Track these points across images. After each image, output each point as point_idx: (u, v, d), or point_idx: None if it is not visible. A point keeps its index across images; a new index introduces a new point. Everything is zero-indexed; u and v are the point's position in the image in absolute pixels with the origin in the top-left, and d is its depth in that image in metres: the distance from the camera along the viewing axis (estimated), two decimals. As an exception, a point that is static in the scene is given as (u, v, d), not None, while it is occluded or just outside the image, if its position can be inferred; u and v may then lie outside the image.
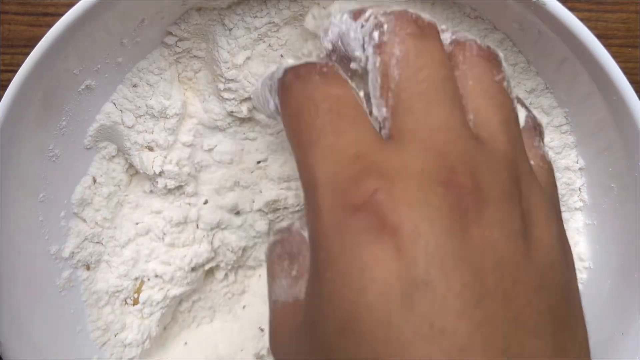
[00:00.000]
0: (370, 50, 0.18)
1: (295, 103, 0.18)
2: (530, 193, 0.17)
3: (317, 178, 0.17)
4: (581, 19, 0.21)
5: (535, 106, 0.27)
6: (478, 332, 0.14)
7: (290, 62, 0.19)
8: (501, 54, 0.20)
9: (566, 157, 0.27)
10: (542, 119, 0.27)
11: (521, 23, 0.24)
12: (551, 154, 0.28)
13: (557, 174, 0.28)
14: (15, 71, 0.21)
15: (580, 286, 0.28)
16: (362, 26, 0.19)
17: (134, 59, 0.27)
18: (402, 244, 0.14)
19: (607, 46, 0.21)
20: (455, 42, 0.19)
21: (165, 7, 0.25)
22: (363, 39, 0.19)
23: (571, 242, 0.20)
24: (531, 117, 0.21)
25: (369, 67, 0.18)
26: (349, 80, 0.19)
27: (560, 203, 0.28)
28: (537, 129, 0.21)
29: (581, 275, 0.28)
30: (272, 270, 0.20)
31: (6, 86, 0.21)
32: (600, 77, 0.22)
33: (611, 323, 0.26)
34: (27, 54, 0.21)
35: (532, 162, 0.19)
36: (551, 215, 0.17)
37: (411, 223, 0.15)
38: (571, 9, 0.21)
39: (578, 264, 0.28)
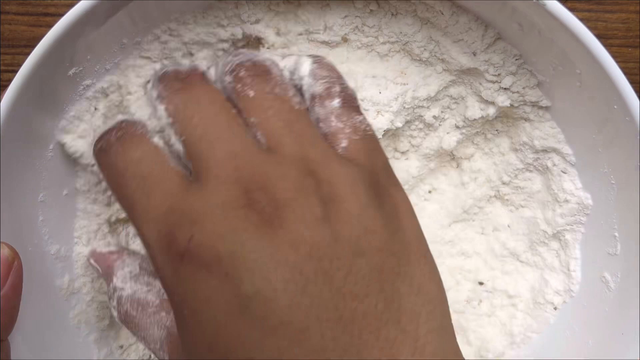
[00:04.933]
0: (157, 109, 0.21)
1: (107, 175, 0.21)
2: (331, 174, 0.19)
3: (146, 240, 0.19)
4: (581, 19, 0.21)
5: (533, 101, 0.27)
6: (311, 314, 0.17)
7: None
8: (271, 60, 0.22)
9: (559, 154, 0.27)
10: (540, 117, 0.27)
11: (521, 23, 0.24)
12: (547, 155, 0.28)
13: (551, 172, 0.28)
14: (15, 71, 0.21)
15: (577, 287, 0.28)
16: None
17: (133, 59, 0.27)
18: (226, 269, 0.17)
19: (607, 46, 0.21)
20: (230, 72, 0.21)
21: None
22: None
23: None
24: (339, 92, 0.22)
25: (159, 127, 0.21)
26: (150, 132, 0.21)
27: (560, 200, 0.28)
28: (347, 102, 0.22)
29: (577, 275, 0.28)
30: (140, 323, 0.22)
31: (6, 86, 0.21)
32: (600, 77, 0.22)
33: (611, 323, 0.26)
34: (28, 54, 0.21)
35: (345, 140, 0.21)
36: (356, 185, 0.19)
37: (227, 250, 0.17)
38: (571, 9, 0.21)
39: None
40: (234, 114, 0.20)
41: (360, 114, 0.22)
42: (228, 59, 0.22)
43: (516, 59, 0.26)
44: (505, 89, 0.27)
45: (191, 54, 0.26)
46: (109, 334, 0.29)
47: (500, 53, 0.26)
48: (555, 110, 0.27)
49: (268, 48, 0.26)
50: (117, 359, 0.29)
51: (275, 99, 0.20)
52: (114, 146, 0.21)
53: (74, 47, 0.23)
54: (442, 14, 0.25)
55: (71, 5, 0.21)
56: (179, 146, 0.20)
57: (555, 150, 0.28)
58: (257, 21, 0.26)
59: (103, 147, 0.21)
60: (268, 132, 0.20)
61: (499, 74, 0.26)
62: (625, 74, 0.21)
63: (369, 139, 0.21)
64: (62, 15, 0.21)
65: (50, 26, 0.21)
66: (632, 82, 0.21)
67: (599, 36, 0.21)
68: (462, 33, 0.26)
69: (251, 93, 0.20)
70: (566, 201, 0.28)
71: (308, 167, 0.19)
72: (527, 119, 0.28)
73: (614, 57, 0.21)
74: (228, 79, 0.21)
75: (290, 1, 0.26)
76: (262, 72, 0.21)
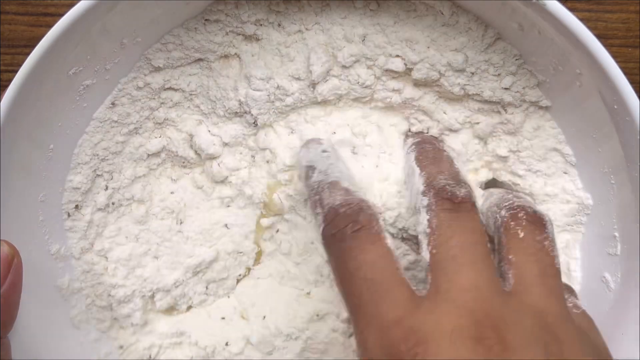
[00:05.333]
0: (421, 215, 0.22)
1: (335, 265, 0.21)
2: (567, 336, 0.19)
3: (365, 344, 0.19)
4: (581, 19, 0.21)
5: (533, 101, 0.27)
6: None
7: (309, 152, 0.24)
8: (548, 217, 0.23)
9: (559, 154, 0.27)
10: (540, 117, 0.27)
11: (521, 23, 0.24)
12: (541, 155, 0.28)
13: (552, 178, 0.28)
14: (15, 71, 0.21)
15: (578, 287, 0.28)
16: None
17: (134, 59, 0.27)
18: None
19: (607, 46, 0.21)
20: (509, 208, 0.23)
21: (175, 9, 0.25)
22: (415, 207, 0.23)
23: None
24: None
25: (419, 230, 0.22)
26: (385, 234, 0.21)
27: (560, 200, 0.28)
28: (567, 289, 0.24)
29: (577, 275, 0.28)
30: None
31: (6, 86, 0.21)
32: (600, 77, 0.22)
33: (611, 323, 0.26)
34: (28, 54, 0.21)
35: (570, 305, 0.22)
36: (587, 353, 0.19)
37: None
38: (571, 9, 0.21)
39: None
40: (488, 249, 0.21)
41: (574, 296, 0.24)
42: (508, 196, 0.24)
43: (516, 59, 0.26)
44: (505, 89, 0.27)
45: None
46: (109, 334, 0.29)
47: (500, 53, 0.26)
48: (555, 110, 0.27)
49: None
50: (117, 359, 0.29)
51: (542, 249, 0.21)
52: (349, 241, 0.21)
53: (74, 47, 0.23)
54: (442, 14, 0.25)
55: (71, 5, 0.21)
56: (426, 255, 0.21)
57: (555, 150, 0.28)
58: (257, 21, 0.26)
59: (336, 235, 0.21)
60: (520, 274, 0.21)
61: (499, 74, 0.26)
62: (625, 74, 0.21)
63: (587, 317, 0.23)
64: (62, 15, 0.21)
65: (50, 26, 0.21)
66: (632, 82, 0.21)
67: (599, 36, 0.21)
68: (462, 33, 0.26)
69: (522, 234, 0.22)
70: (566, 201, 0.28)
71: (546, 320, 0.19)
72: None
73: (614, 57, 0.21)
74: (504, 213, 0.22)
75: (291, 1, 0.26)
76: (539, 222, 0.22)
